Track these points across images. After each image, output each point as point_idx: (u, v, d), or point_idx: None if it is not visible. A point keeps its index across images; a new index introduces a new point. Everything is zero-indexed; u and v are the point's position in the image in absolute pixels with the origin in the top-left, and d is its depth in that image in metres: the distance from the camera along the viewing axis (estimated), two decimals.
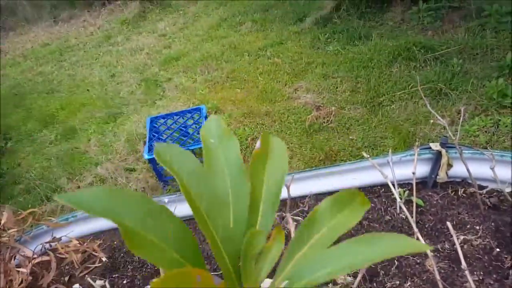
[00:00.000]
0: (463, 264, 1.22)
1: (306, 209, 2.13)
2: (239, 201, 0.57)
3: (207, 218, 0.52)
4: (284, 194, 1.89)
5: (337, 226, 0.54)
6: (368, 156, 1.72)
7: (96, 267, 1.92)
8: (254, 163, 0.61)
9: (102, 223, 2.19)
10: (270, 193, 0.59)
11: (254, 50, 5.06)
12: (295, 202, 2.18)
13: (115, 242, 2.06)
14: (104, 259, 1.90)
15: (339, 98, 3.93)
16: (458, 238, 1.83)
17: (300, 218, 2.07)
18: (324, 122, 3.63)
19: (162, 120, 3.32)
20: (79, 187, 3.50)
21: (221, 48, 5.32)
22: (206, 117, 3.25)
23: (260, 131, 3.66)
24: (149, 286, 1.76)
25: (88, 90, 5.20)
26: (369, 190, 2.23)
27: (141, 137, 3.80)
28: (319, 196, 2.23)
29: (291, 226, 1.43)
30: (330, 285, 1.63)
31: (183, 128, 3.26)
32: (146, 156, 2.85)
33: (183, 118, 3.32)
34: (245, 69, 4.74)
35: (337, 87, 4.10)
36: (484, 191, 1.95)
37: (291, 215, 2.10)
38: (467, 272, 1.20)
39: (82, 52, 6.34)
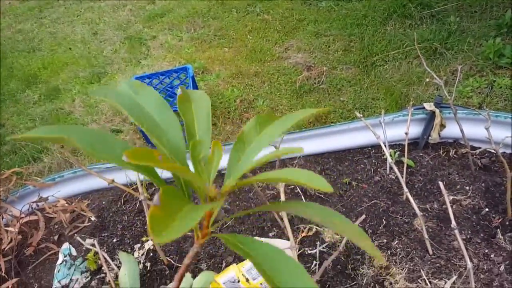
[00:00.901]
0: (453, 223, 1.19)
1: None
2: (173, 128, 0.67)
3: (151, 135, 0.62)
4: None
5: (262, 140, 0.64)
6: (361, 116, 1.66)
7: (85, 226, 1.88)
8: (181, 105, 0.71)
9: (90, 183, 2.13)
10: (202, 122, 0.70)
11: (243, 6, 4.82)
12: (284, 163, 2.13)
13: (103, 202, 2.01)
14: (93, 218, 1.86)
15: (331, 58, 3.80)
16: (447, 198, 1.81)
17: None
18: (315, 83, 3.53)
19: (147, 80, 3.19)
20: (62, 146, 3.41)
21: (207, 3, 5.07)
22: (193, 78, 3.13)
23: (250, 93, 3.56)
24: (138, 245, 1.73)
25: (70, 48, 4.96)
26: (359, 151, 2.19)
27: None
28: (308, 158, 2.19)
29: (281, 186, 1.38)
30: (318, 242, 1.61)
31: (169, 89, 3.14)
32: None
33: (169, 78, 3.19)
34: (233, 27, 4.54)
35: (329, 46, 3.96)
36: (477, 151, 1.91)
37: None
38: (456, 231, 1.18)
39: (62, 9, 6.01)
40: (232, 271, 1.50)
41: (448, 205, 1.22)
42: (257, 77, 3.75)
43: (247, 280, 1.48)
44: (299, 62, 3.86)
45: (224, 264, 1.59)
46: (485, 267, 1.38)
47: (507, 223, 1.62)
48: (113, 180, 1.40)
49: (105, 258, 1.50)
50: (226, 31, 4.52)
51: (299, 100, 3.39)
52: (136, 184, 1.95)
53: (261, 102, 3.39)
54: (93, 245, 1.51)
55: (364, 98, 3.28)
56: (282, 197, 1.16)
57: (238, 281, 1.47)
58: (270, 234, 1.71)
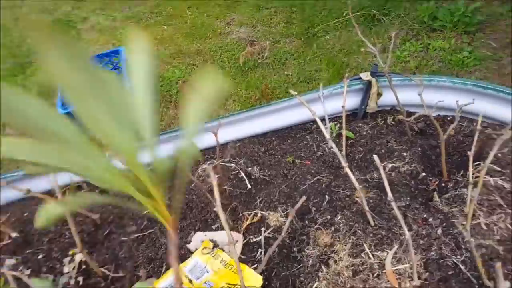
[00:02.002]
0: (389, 195, 1.18)
1: (234, 153, 2.02)
2: None
3: None
4: (213, 141, 1.76)
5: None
6: (295, 93, 1.61)
7: (4, 245, 1.72)
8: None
9: (7, 195, 1.95)
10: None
11: None
12: (227, 147, 2.06)
13: (25, 214, 1.85)
14: (14, 234, 1.70)
15: (274, 31, 3.72)
16: (386, 167, 1.83)
17: (232, 165, 1.98)
18: (259, 58, 3.44)
19: None
20: None
21: None
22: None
23: (192, 73, 3.41)
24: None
25: None
26: (302, 128, 2.16)
27: (55, 88, 3.40)
28: (252, 139, 2.13)
29: (213, 178, 1.31)
30: (262, 228, 1.58)
31: None
32: (60, 111, 2.55)
33: (100, 63, 2.97)
34: (171, 3, 4.31)
35: (271, 19, 3.87)
36: (412, 117, 1.94)
37: (223, 162, 1.99)
38: (393, 203, 1.17)
39: None
40: (173, 274, 1.44)
41: (384, 178, 1.21)
42: (199, 56, 3.61)
43: (190, 281, 1.42)
44: (242, 37, 3.75)
45: (164, 268, 1.52)
46: (424, 232, 1.41)
47: (443, 184, 1.67)
48: (29, 190, 1.27)
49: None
50: (164, 8, 4.29)
51: (244, 77, 3.31)
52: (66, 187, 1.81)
53: None
54: (15, 265, 1.38)
55: (308, 70, 3.24)
56: (215, 191, 1.10)
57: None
58: (214, 227, 1.66)
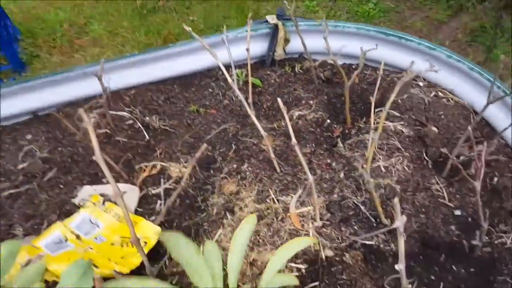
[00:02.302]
0: (293, 140, 1.12)
1: (127, 101, 1.80)
2: None
3: None
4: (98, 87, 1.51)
5: None
6: (190, 29, 1.44)
7: None
8: None
9: None
10: None
11: None
12: (119, 94, 1.81)
13: None
14: None
15: None
16: (293, 115, 1.80)
17: (126, 114, 1.75)
18: (159, 0, 3.11)
19: None
20: None
21: None
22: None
23: (80, 15, 2.96)
24: None
25: None
26: (207, 74, 2.00)
27: None
28: (150, 86, 1.90)
29: (88, 123, 1.11)
30: (162, 179, 1.44)
31: None
32: None
33: None
34: None
35: None
36: (317, 63, 1.91)
37: (115, 111, 1.75)
38: (296, 147, 1.12)
39: None
40: (56, 230, 1.23)
41: (288, 122, 1.15)
42: None
43: (78, 237, 1.23)
44: None
45: (45, 224, 1.30)
46: (327, 176, 1.41)
47: (346, 131, 1.69)
48: None
49: None
50: None
51: (142, 21, 2.97)
52: None
53: (96, 25, 2.86)
54: None
55: (215, 16, 3.04)
56: (92, 136, 0.91)
57: (66, 240, 1.21)
58: (105, 180, 1.46)
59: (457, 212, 1.25)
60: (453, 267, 1.07)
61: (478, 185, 0.97)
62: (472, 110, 1.74)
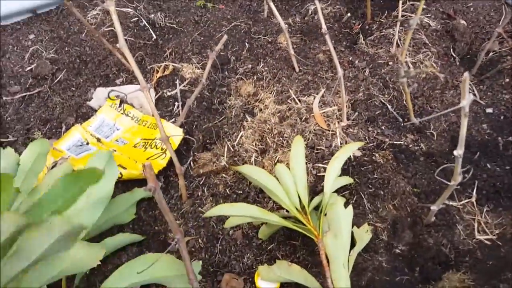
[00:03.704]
0: (324, 27, 1.02)
1: None
2: None
3: None
4: None
5: None
6: None
7: None
8: None
9: None
10: None
11: None
12: None
13: None
14: None
15: None
16: (308, 9, 1.65)
17: (130, 10, 1.59)
18: None
19: None
20: None
21: None
22: None
23: None
24: None
25: None
26: None
27: None
28: None
29: (111, 7, 1.00)
30: (177, 81, 1.36)
31: None
32: None
33: None
34: None
35: None
36: None
37: (117, 7, 1.59)
38: (327, 36, 1.03)
39: None
40: (76, 133, 1.20)
41: (319, 8, 1.03)
42: None
43: (99, 140, 1.20)
44: None
45: (64, 128, 1.25)
46: (351, 75, 1.34)
47: (367, 27, 1.57)
48: None
49: None
50: None
51: None
52: None
53: None
54: None
55: None
56: (116, 22, 0.81)
57: (87, 143, 1.18)
58: (118, 81, 1.38)
59: (489, 110, 1.22)
60: (487, 165, 1.07)
61: None
62: (504, 2, 1.60)
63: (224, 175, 1.14)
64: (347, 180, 1.00)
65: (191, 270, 0.75)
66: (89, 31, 1.48)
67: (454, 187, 0.78)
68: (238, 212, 0.84)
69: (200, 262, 0.86)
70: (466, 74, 0.57)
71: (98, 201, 0.89)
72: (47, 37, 1.50)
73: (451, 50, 1.44)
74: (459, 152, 0.66)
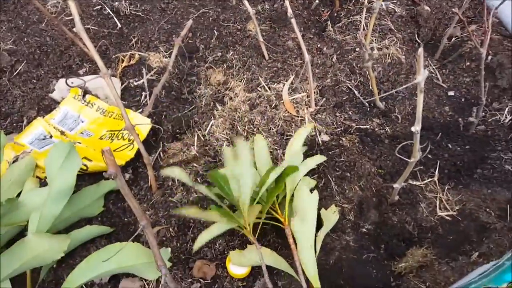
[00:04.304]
0: (289, 11, 1.03)
1: None
2: None
3: None
4: None
5: None
6: None
7: None
8: None
9: None
10: None
11: None
12: None
13: None
14: None
15: None
16: None
17: None
18: None
19: None
20: None
21: None
22: None
23: None
24: None
25: None
26: None
27: None
28: None
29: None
30: (144, 71, 1.34)
31: None
32: None
33: None
34: None
35: None
36: None
37: None
38: (293, 20, 1.03)
39: None
40: (38, 126, 1.16)
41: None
42: None
43: (62, 132, 1.17)
44: None
45: (25, 121, 1.21)
46: (319, 61, 1.35)
47: (335, 14, 1.58)
48: None
49: None
50: None
51: None
52: None
53: None
54: None
55: None
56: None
57: (51, 137, 1.15)
58: (81, 72, 1.34)
59: (451, 93, 1.26)
60: (449, 145, 1.11)
61: (484, 51, 0.94)
62: None
63: (195, 164, 1.14)
64: (320, 158, 1.01)
65: (159, 256, 0.74)
66: (49, 20, 1.43)
67: (413, 164, 0.80)
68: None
69: (169, 249, 0.86)
70: (420, 49, 0.59)
71: (60, 193, 0.87)
72: (4, 28, 1.44)
73: (416, 35, 1.47)
74: (416, 128, 0.69)
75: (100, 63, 0.82)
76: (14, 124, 1.22)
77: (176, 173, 0.90)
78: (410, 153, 0.81)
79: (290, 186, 0.92)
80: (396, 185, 0.89)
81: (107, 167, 0.63)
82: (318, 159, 1.01)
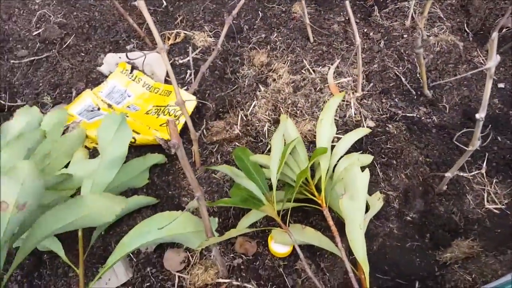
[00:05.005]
0: None
1: None
2: None
3: None
4: None
5: None
6: None
7: None
8: None
9: None
10: None
11: None
12: None
13: None
14: None
15: None
16: None
17: None
18: None
19: None
20: None
21: None
22: None
23: None
24: None
25: None
26: None
27: None
28: None
29: None
30: (189, 49, 1.35)
31: None
32: None
33: None
34: None
35: None
36: None
37: None
38: (347, 3, 1.01)
39: None
40: (87, 98, 1.19)
41: None
42: None
43: (110, 105, 1.20)
44: None
45: (74, 93, 1.25)
46: (365, 46, 1.33)
47: (381, 0, 1.55)
48: None
49: None
50: None
51: None
52: None
53: None
54: None
55: None
56: None
57: (98, 109, 1.18)
58: (128, 47, 1.36)
59: (501, 85, 1.22)
60: (498, 138, 1.08)
61: None
62: None
63: (237, 143, 1.15)
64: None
65: (209, 227, 0.76)
66: None
67: (470, 152, 0.78)
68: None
69: (217, 219, 0.87)
70: (494, 34, 0.57)
71: (112, 162, 0.90)
72: (54, 1, 1.47)
73: (465, 25, 1.42)
74: (481, 115, 0.67)
75: (158, 38, 0.83)
76: (63, 95, 1.25)
77: (225, 170, 0.93)
78: (462, 143, 0.79)
79: (324, 165, 0.91)
80: (448, 174, 0.87)
81: (171, 136, 0.64)
82: (361, 132, 1.00)
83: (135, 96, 1.23)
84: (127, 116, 1.15)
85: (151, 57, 1.26)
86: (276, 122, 1.17)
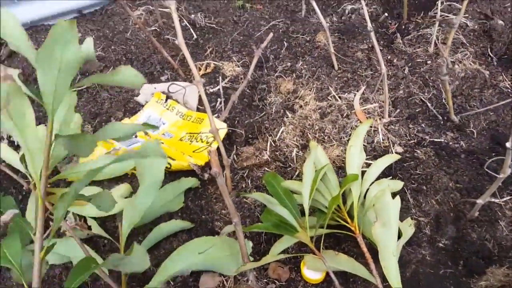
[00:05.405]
0: (369, 25, 1.06)
1: None
2: None
3: None
4: None
5: None
6: None
7: None
8: None
9: None
10: None
11: None
12: None
13: None
14: None
15: None
16: (345, 9, 1.69)
17: None
18: None
19: None
20: None
21: None
22: None
23: None
24: None
25: None
26: None
27: None
28: None
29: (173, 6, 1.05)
30: (219, 78, 1.41)
31: None
32: None
33: None
34: None
35: None
36: None
37: (161, 8, 1.66)
38: (371, 34, 1.06)
39: None
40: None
41: (364, 6, 1.07)
42: None
43: (146, 133, 1.26)
44: None
45: (113, 121, 1.32)
46: (390, 73, 1.36)
47: (403, 27, 1.59)
48: None
49: None
50: None
51: None
52: None
53: None
54: None
55: None
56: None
57: (136, 136, 1.25)
58: (163, 79, 1.44)
59: None
60: None
61: None
62: None
63: (266, 168, 1.18)
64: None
65: (246, 253, 0.79)
66: (138, 29, 1.55)
67: (502, 179, 0.79)
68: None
69: (250, 242, 0.90)
70: None
71: (150, 187, 0.94)
72: (93, 36, 1.58)
73: (489, 50, 1.44)
74: (511, 143, 0.69)
75: (195, 71, 0.89)
76: (103, 124, 1.33)
77: (257, 197, 0.97)
78: (491, 169, 0.80)
79: (356, 192, 0.93)
80: (479, 201, 0.88)
81: (212, 166, 0.69)
82: (391, 158, 1.02)
83: (169, 123, 1.29)
84: (162, 143, 1.20)
85: (184, 86, 1.33)
86: (304, 147, 1.21)
